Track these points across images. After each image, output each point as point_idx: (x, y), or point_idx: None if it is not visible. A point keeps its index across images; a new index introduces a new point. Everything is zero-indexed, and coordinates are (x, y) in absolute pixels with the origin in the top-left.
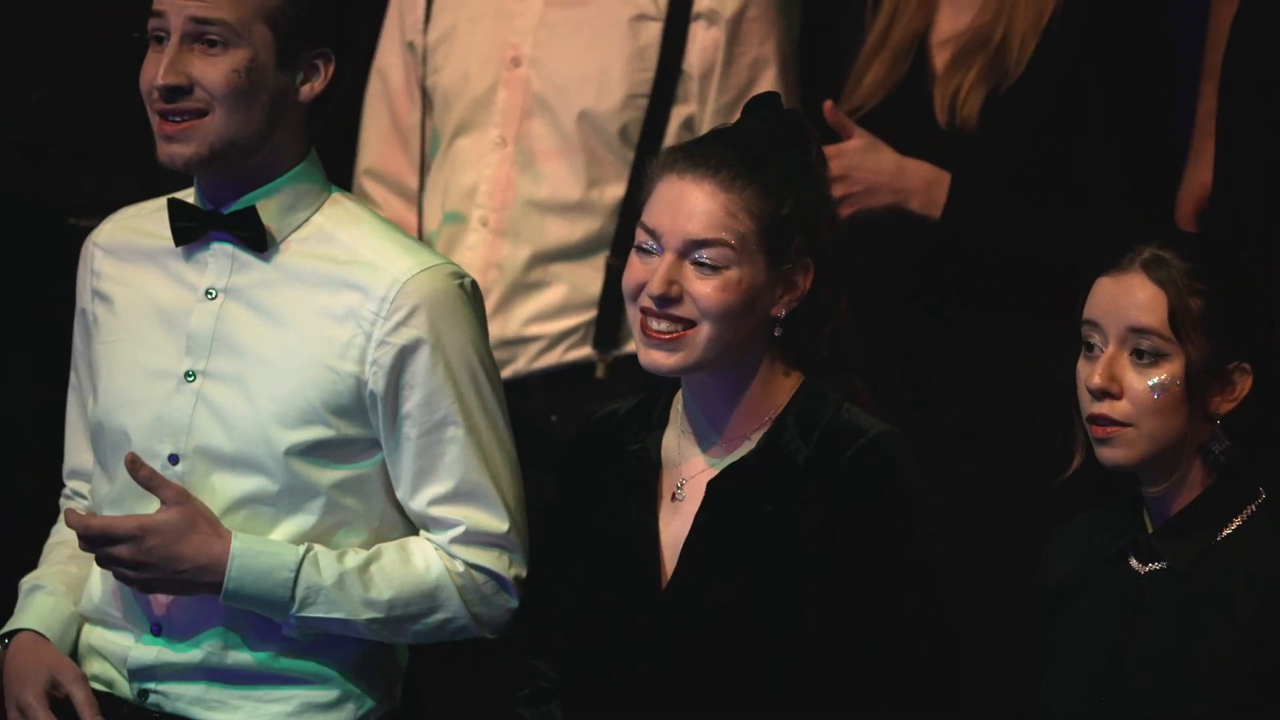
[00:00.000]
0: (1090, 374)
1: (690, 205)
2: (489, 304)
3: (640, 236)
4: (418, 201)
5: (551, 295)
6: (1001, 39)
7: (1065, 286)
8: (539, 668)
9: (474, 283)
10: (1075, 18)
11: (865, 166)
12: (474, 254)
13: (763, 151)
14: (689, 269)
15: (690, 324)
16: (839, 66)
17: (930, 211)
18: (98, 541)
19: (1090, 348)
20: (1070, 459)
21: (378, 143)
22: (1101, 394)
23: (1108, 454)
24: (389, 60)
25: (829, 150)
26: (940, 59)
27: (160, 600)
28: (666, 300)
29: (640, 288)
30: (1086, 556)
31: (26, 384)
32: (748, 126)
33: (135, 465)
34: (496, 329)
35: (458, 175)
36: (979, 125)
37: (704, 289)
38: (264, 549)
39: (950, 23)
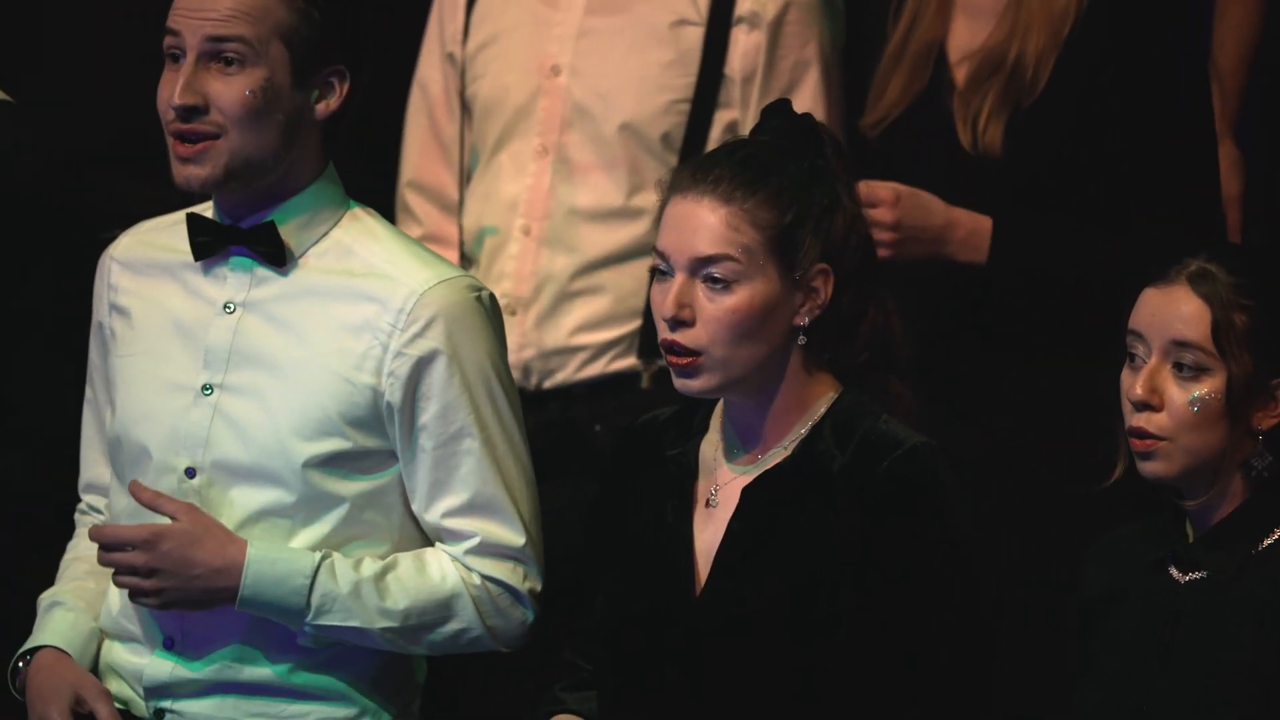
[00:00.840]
0: (1132, 385)
1: (694, 223)
2: (532, 314)
3: (654, 261)
4: (458, 213)
5: (595, 305)
6: (1016, 59)
7: (1108, 310)
8: (579, 662)
9: (491, 295)
10: (1096, 26)
11: (916, 216)
12: (516, 264)
13: (766, 161)
14: (700, 288)
15: (699, 352)
16: (864, 76)
17: (975, 258)
18: (112, 549)
19: (1134, 358)
20: (1112, 468)
21: (419, 154)
22: (1142, 406)
23: (1148, 467)
24: (429, 72)
25: (883, 196)
26: (959, 74)
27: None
28: (679, 322)
29: (660, 315)
30: (1127, 567)
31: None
32: (756, 137)
33: (138, 490)
34: (542, 339)
35: (499, 185)
36: (1003, 150)
37: (714, 310)
38: (280, 555)
39: (966, 34)
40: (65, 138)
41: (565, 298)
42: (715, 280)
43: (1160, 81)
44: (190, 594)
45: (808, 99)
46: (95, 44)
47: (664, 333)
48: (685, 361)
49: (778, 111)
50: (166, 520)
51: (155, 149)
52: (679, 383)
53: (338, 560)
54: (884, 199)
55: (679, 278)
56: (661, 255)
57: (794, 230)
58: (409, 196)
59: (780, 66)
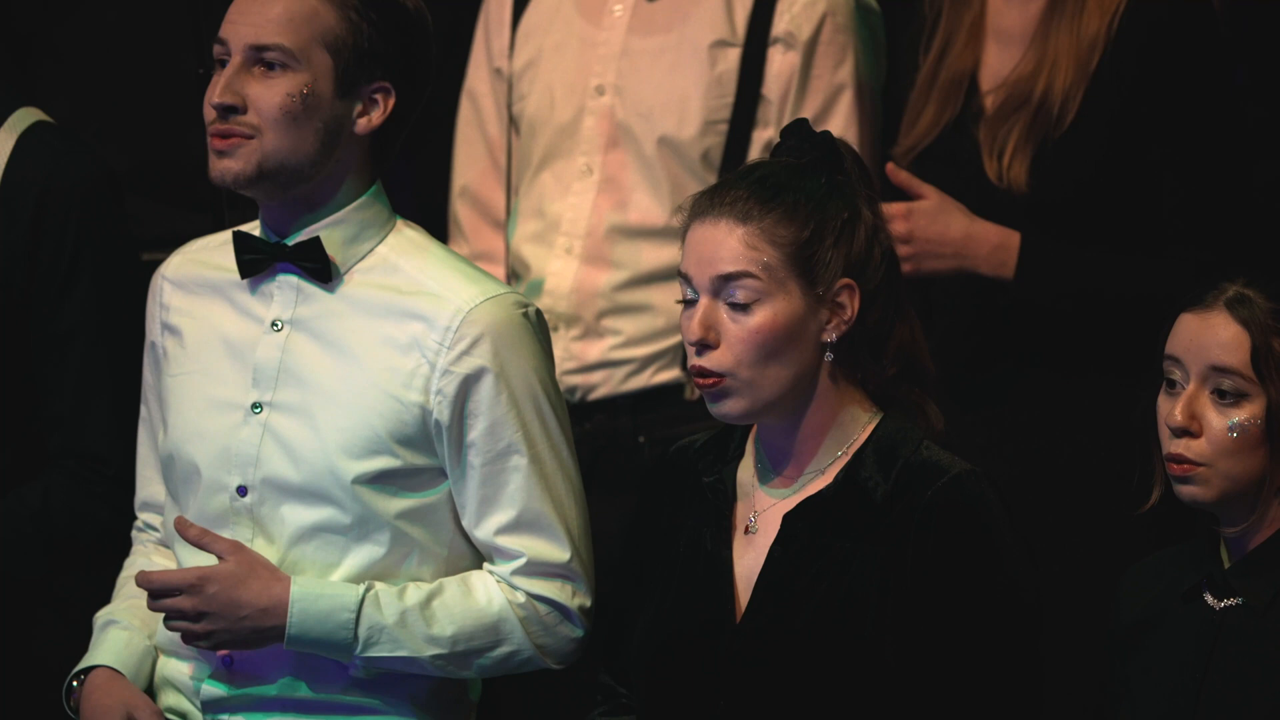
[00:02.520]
0: (1171, 411)
1: (713, 244)
2: (577, 329)
3: (680, 287)
4: (505, 226)
5: (639, 320)
6: (1044, 93)
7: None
8: (616, 687)
9: (538, 311)
10: (1125, 57)
11: (931, 229)
12: (560, 280)
13: (783, 179)
14: (724, 311)
15: (722, 376)
16: (892, 104)
17: (1002, 273)
18: (159, 595)
19: (1171, 384)
20: (1149, 493)
21: (469, 166)
22: (1181, 432)
23: (1186, 492)
24: (478, 85)
25: (895, 209)
26: (988, 103)
27: None
28: (705, 345)
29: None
30: (1161, 593)
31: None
32: (773, 158)
33: (184, 526)
34: (586, 353)
35: (545, 202)
36: (1028, 184)
37: (738, 331)
38: (324, 591)
39: (997, 63)
40: (105, 160)
41: (608, 313)
42: (737, 301)
43: (1190, 112)
44: (239, 634)
45: (842, 119)
46: (130, 71)
47: (691, 358)
48: (711, 383)
49: (795, 131)
50: (223, 534)
51: (187, 175)
52: (712, 409)
53: (382, 591)
54: (895, 212)
55: (703, 301)
56: (685, 280)
57: (813, 246)
58: (459, 207)
59: (815, 86)
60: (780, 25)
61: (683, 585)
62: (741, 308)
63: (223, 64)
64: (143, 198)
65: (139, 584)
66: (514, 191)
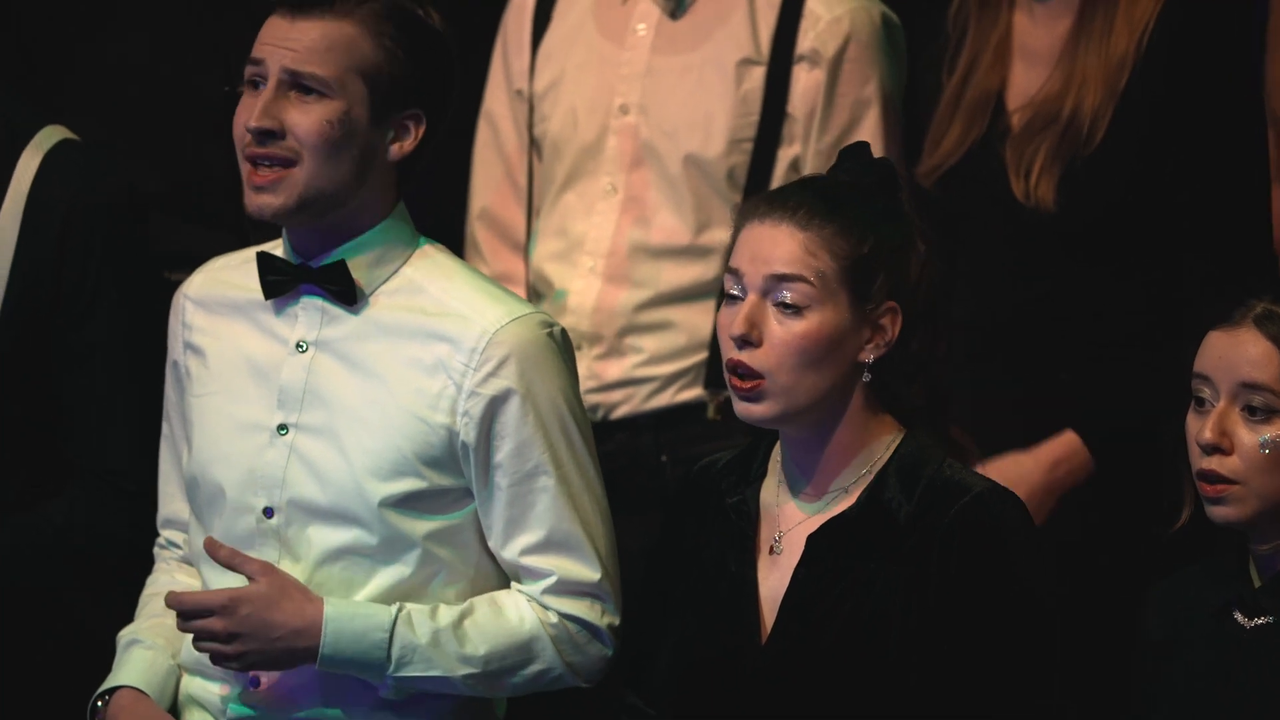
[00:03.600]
0: (1200, 429)
1: (771, 244)
2: (600, 348)
3: (726, 283)
4: (525, 248)
5: (663, 339)
6: (1072, 113)
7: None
8: (643, 708)
9: (564, 331)
10: (1153, 76)
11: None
12: (583, 299)
13: (844, 195)
14: (771, 311)
15: (763, 376)
16: (916, 123)
17: (1089, 468)
18: (191, 616)
19: (1201, 402)
20: (1178, 512)
21: (487, 189)
22: (1211, 449)
23: (1218, 511)
24: (497, 107)
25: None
26: (1014, 122)
27: None
28: (746, 342)
29: (726, 336)
30: (1190, 610)
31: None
32: (833, 175)
33: (214, 547)
34: (608, 371)
35: (568, 222)
36: (1056, 203)
37: (783, 333)
38: (357, 611)
39: (1024, 81)
40: (129, 178)
41: (631, 332)
42: (787, 304)
43: (1218, 128)
44: (271, 655)
45: (868, 136)
46: (158, 89)
47: (730, 352)
48: (749, 386)
49: (855, 153)
50: (250, 554)
51: (213, 194)
52: (741, 407)
53: (414, 611)
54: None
55: (750, 298)
56: (734, 274)
57: (868, 263)
58: (478, 230)
59: (840, 104)
60: (805, 43)
61: (707, 606)
62: (791, 311)
63: (254, 84)
64: (169, 216)
65: (169, 604)
66: (535, 213)
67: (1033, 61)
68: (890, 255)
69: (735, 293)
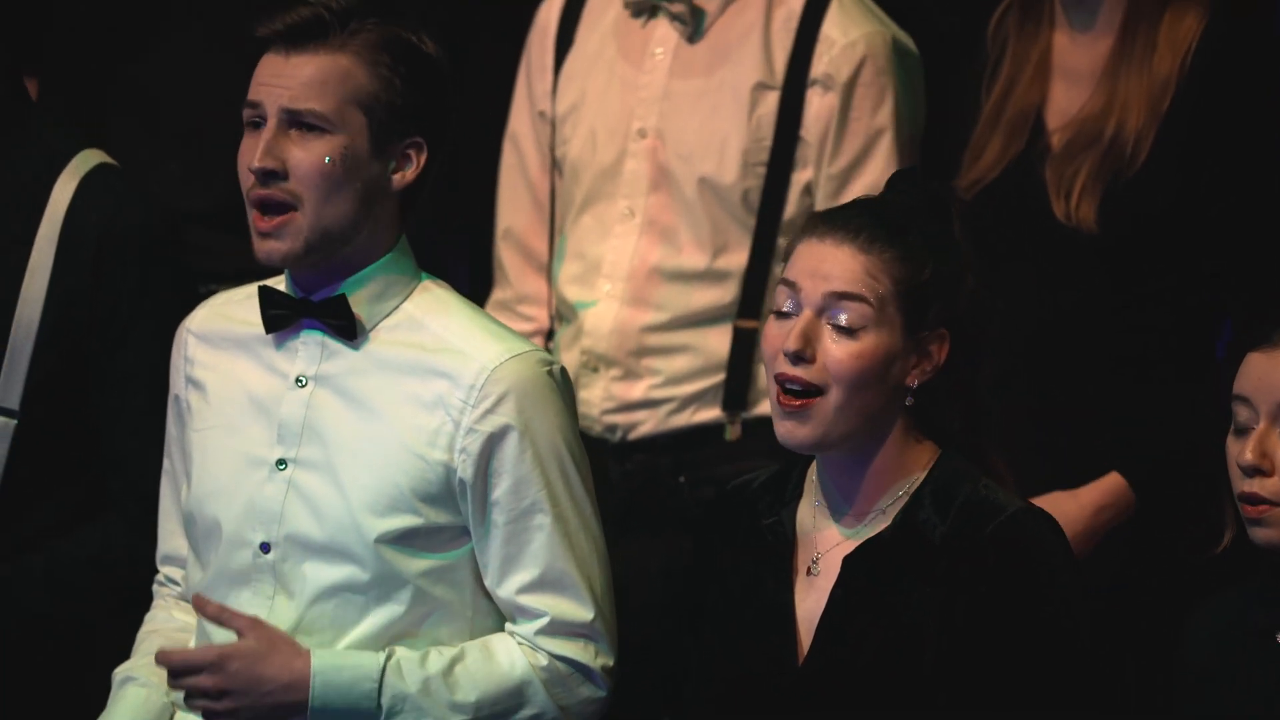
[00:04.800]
0: (1241, 451)
1: (831, 263)
2: (617, 370)
3: (779, 296)
4: (549, 269)
5: (680, 361)
6: (1115, 133)
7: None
8: None
9: (563, 369)
10: (1196, 98)
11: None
12: (600, 321)
13: (903, 221)
14: (826, 330)
15: (818, 391)
16: (954, 138)
17: (1133, 509)
18: (180, 673)
19: (1240, 423)
20: (1220, 535)
21: (512, 210)
22: (1253, 471)
23: (1260, 534)
24: (521, 129)
25: None
26: (1055, 141)
27: None
28: (800, 358)
29: (778, 351)
30: (1232, 633)
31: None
32: (889, 198)
33: (202, 603)
34: (626, 393)
35: (586, 245)
36: (1097, 222)
37: (838, 353)
38: (344, 662)
39: (1064, 99)
40: (167, 199)
41: (648, 354)
42: (843, 325)
43: (1257, 147)
44: (261, 711)
45: (882, 161)
46: (200, 105)
47: (781, 367)
48: (799, 404)
49: (907, 178)
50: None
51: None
52: (785, 427)
53: (404, 658)
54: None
55: (805, 315)
56: (790, 287)
57: (926, 289)
58: (503, 251)
59: (854, 129)
60: (819, 67)
61: (744, 627)
62: (847, 331)
63: (254, 125)
64: (221, 233)
65: (158, 662)
66: (558, 233)
67: (1073, 80)
68: (947, 283)
69: (788, 308)
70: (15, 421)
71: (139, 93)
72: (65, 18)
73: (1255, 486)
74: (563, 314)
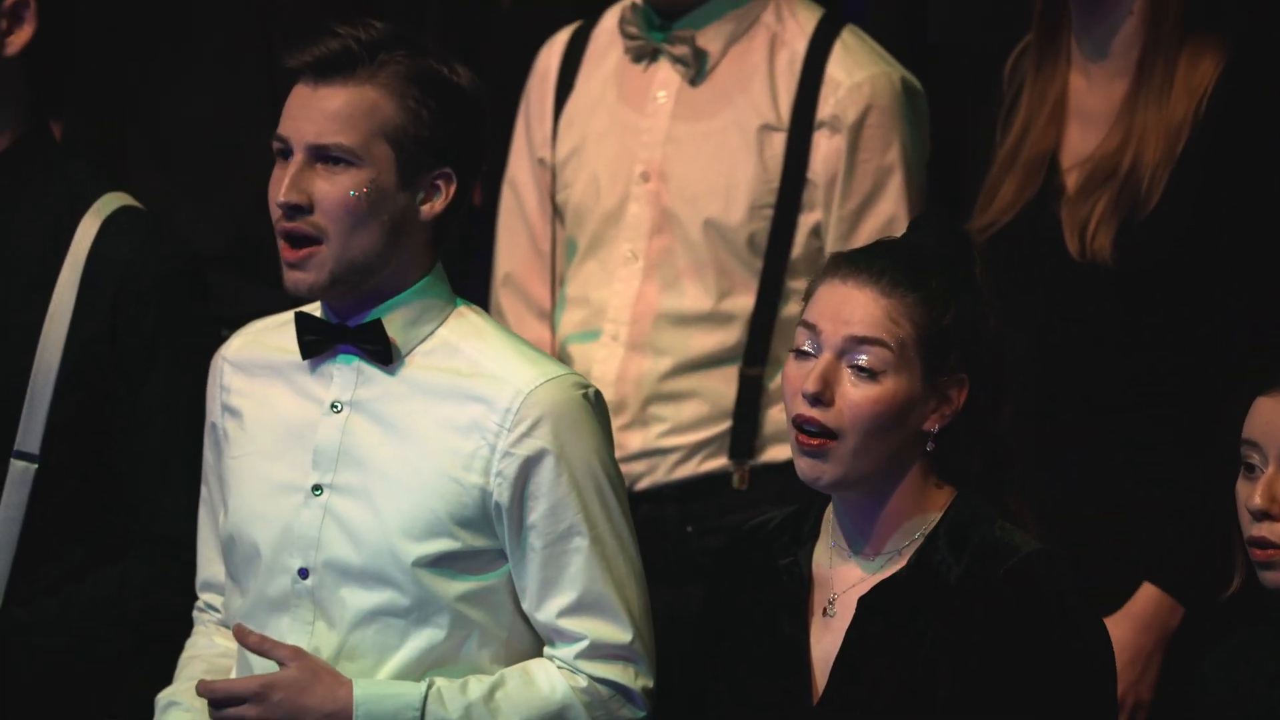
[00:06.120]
0: (1251, 494)
1: (853, 306)
2: (623, 418)
3: (799, 337)
4: (551, 316)
5: (686, 407)
6: (1130, 169)
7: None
8: None
9: (598, 393)
10: (1212, 136)
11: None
12: (606, 367)
13: (926, 265)
14: (845, 373)
15: (834, 435)
16: (967, 181)
17: (1181, 613)
18: (222, 704)
19: (1250, 468)
20: (1230, 579)
21: (511, 256)
22: (1262, 515)
23: (1272, 578)
24: (520, 175)
25: None
26: (1069, 181)
27: None
28: (819, 400)
29: (797, 391)
30: (1245, 678)
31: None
32: (911, 241)
33: (243, 634)
34: (632, 442)
35: (590, 290)
36: (1113, 259)
37: (856, 397)
38: (386, 691)
39: (1079, 142)
40: (189, 241)
41: (654, 401)
42: (863, 368)
43: (1270, 192)
44: None
45: (890, 203)
46: (222, 147)
47: (800, 408)
48: (817, 443)
49: (930, 221)
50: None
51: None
52: (805, 464)
53: (444, 686)
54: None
55: (825, 357)
56: (810, 329)
57: (946, 334)
58: (502, 296)
59: (862, 170)
60: (825, 109)
61: (759, 667)
62: (867, 374)
63: (283, 156)
64: (235, 277)
65: (199, 693)
66: (559, 280)
67: (1088, 122)
68: (967, 328)
69: (808, 349)
70: (36, 466)
71: (158, 133)
72: (86, 60)
73: (1265, 531)
74: (565, 362)
